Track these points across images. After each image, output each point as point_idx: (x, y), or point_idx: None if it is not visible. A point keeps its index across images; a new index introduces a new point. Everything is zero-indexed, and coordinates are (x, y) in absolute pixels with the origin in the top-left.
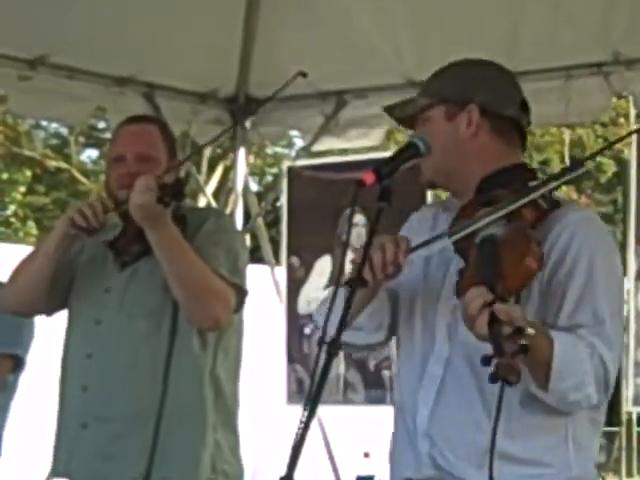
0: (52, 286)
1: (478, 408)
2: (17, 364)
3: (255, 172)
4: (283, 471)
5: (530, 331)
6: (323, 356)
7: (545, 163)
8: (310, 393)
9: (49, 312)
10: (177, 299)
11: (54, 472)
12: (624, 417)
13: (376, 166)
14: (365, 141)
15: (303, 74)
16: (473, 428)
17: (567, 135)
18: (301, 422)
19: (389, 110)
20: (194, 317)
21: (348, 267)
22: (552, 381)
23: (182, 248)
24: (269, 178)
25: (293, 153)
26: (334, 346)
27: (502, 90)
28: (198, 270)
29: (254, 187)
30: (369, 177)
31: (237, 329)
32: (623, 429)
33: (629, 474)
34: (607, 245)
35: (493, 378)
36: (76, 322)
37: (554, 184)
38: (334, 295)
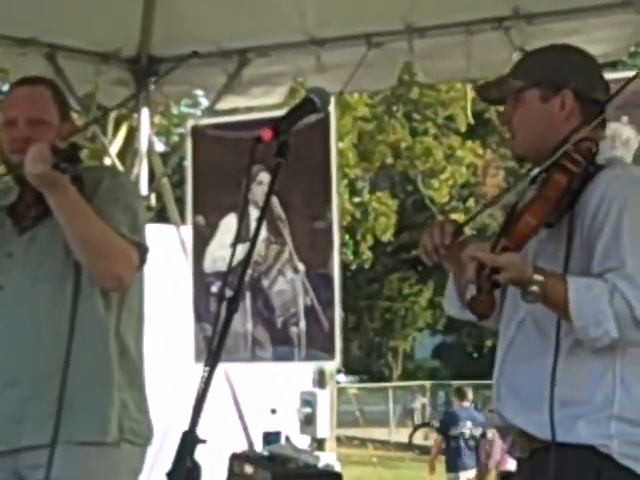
0: None
1: (538, 360)
2: None
3: (161, 132)
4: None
5: (537, 277)
6: (224, 312)
7: (450, 119)
8: (211, 349)
9: None
10: (80, 260)
11: None
12: None
13: (273, 122)
14: (268, 99)
15: (196, 53)
16: (533, 378)
17: (469, 91)
18: (203, 378)
19: (481, 90)
20: (97, 277)
21: (252, 224)
22: (573, 320)
23: (82, 210)
24: (175, 138)
25: (199, 112)
26: (234, 302)
27: (592, 75)
28: (99, 230)
29: (160, 147)
30: (267, 133)
31: (139, 287)
32: None
33: None
34: (636, 197)
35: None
36: None
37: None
38: (233, 254)
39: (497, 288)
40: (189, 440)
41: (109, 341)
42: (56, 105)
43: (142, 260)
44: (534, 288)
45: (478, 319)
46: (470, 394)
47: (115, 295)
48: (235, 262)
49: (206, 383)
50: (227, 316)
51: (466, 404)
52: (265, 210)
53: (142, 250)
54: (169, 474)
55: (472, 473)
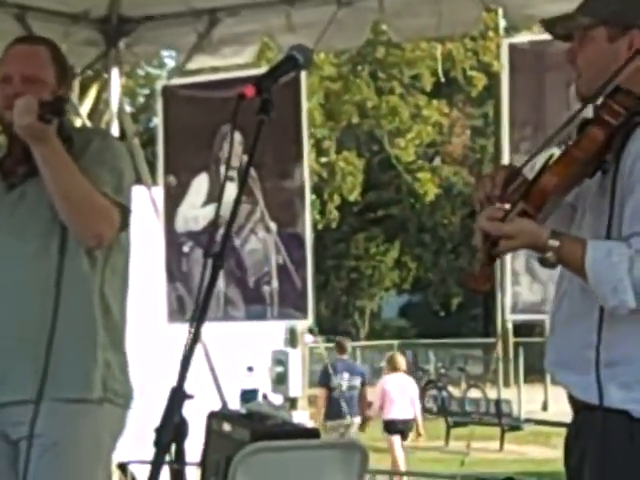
0: None
1: (583, 319)
2: None
3: (127, 94)
4: (173, 383)
5: (553, 243)
6: (209, 269)
7: (416, 78)
8: (197, 305)
9: None
10: (62, 217)
11: None
12: (500, 328)
13: (256, 79)
14: (238, 58)
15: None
16: (578, 338)
17: (438, 50)
18: (190, 333)
19: (547, 24)
20: (78, 235)
21: (229, 185)
22: (592, 287)
23: (66, 164)
24: (141, 99)
25: (164, 74)
26: (219, 259)
27: None
28: (81, 187)
29: (127, 109)
30: (250, 90)
31: (124, 248)
32: (499, 340)
33: (506, 384)
34: None
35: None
36: None
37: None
38: (217, 213)
39: (494, 261)
40: (177, 396)
41: (93, 300)
42: (54, 66)
43: (125, 221)
44: (549, 254)
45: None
46: (349, 347)
47: (100, 255)
48: (206, 222)
49: (193, 339)
50: (213, 272)
51: (345, 357)
52: (248, 169)
53: (125, 211)
54: (158, 430)
55: (357, 420)
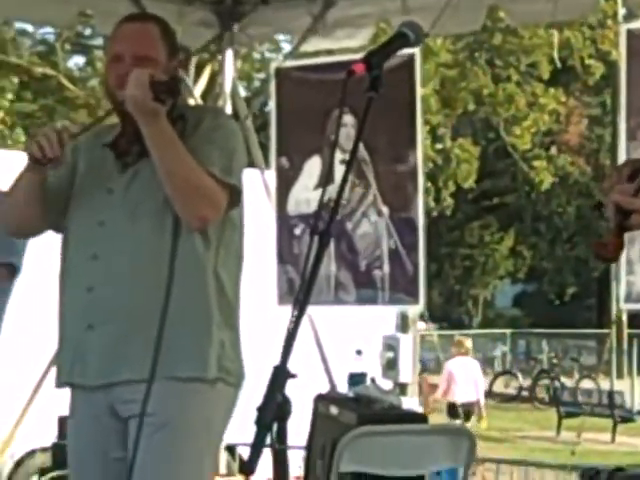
0: (44, 211)
1: None
2: (11, 272)
3: (242, 77)
4: (276, 362)
5: None
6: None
7: (533, 66)
8: (302, 285)
9: (42, 232)
10: (168, 197)
11: (59, 381)
12: (614, 318)
13: (366, 56)
14: (352, 41)
15: None
16: None
17: (556, 37)
18: (293, 314)
19: None
20: (182, 216)
21: (337, 167)
22: None
23: (173, 145)
24: (256, 83)
25: (280, 57)
26: (326, 236)
27: None
28: (186, 168)
29: (242, 93)
30: (359, 67)
31: (238, 227)
32: (613, 330)
33: (619, 376)
34: None
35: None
36: (77, 225)
37: None
38: (323, 194)
39: (624, 232)
40: (280, 375)
41: (208, 279)
42: (164, 43)
43: (234, 202)
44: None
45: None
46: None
47: (213, 234)
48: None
49: (297, 317)
50: (319, 250)
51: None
52: (356, 147)
53: (234, 192)
54: (260, 408)
55: None
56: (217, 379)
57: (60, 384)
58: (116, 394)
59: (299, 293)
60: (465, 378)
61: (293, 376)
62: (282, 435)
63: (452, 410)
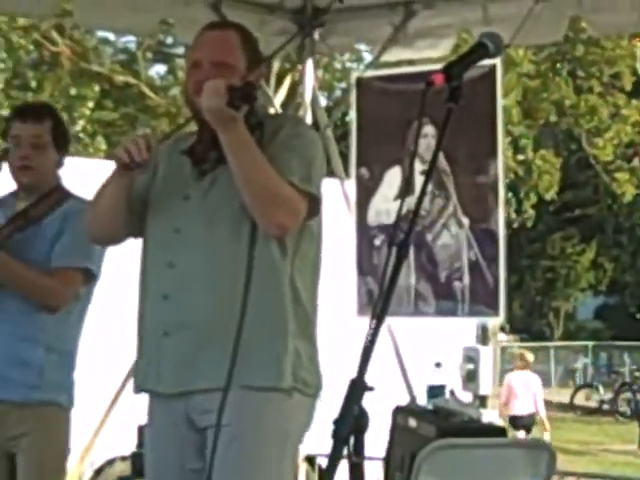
0: (128, 216)
1: None
2: (87, 277)
3: (323, 87)
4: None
5: None
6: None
7: (616, 77)
8: (380, 297)
9: (123, 240)
10: (246, 205)
11: (135, 387)
12: None
13: (445, 67)
14: (433, 52)
15: None
16: None
17: (639, 48)
18: (371, 326)
19: None
20: (260, 223)
21: (417, 178)
22: None
23: (250, 152)
24: (337, 93)
25: (361, 68)
26: (404, 247)
27: None
28: (264, 176)
29: (322, 102)
30: (438, 77)
31: (315, 237)
32: None
33: None
34: None
35: None
36: (154, 232)
37: None
38: (401, 205)
39: None
40: (357, 387)
41: (284, 288)
42: (244, 51)
43: (313, 211)
44: None
45: None
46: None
47: (290, 243)
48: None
49: (375, 329)
50: (397, 262)
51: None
52: (436, 158)
53: (314, 201)
54: (336, 421)
55: None
56: (293, 389)
57: (136, 390)
58: (193, 403)
59: (376, 305)
60: (525, 392)
61: (370, 389)
62: (359, 448)
63: (514, 422)
